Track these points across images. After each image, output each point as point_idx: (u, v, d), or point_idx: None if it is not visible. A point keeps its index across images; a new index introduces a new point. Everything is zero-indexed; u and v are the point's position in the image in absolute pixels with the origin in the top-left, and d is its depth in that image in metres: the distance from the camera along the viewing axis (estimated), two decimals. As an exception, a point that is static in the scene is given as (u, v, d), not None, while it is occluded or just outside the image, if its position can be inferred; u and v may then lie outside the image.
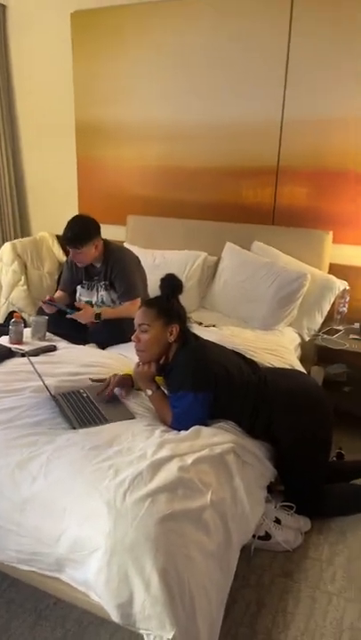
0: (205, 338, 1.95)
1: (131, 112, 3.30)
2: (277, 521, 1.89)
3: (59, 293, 2.81)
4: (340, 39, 2.66)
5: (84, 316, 2.48)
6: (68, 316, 2.47)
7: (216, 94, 3.04)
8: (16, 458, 1.49)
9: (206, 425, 1.75)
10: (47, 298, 2.60)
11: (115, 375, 1.95)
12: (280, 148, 2.95)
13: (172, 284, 1.85)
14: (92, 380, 1.97)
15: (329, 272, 2.93)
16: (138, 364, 1.88)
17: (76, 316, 2.47)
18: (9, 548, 1.40)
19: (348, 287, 2.85)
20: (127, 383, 1.97)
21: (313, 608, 1.65)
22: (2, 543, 1.41)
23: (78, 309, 2.54)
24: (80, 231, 2.47)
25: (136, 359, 1.90)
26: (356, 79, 2.68)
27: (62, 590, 1.38)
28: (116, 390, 1.94)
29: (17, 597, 1.66)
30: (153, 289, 2.41)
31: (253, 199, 3.11)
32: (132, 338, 1.83)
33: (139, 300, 2.55)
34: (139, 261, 2.73)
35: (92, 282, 2.67)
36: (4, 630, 1.55)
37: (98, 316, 2.51)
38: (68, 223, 2.50)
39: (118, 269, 2.57)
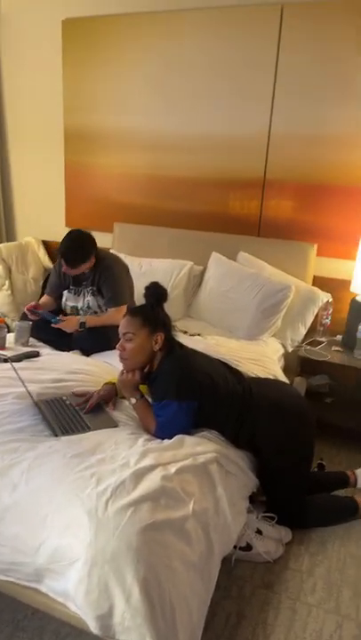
0: (190, 347, 1.95)
1: (119, 120, 3.32)
2: (259, 532, 1.89)
3: (45, 298, 2.79)
4: (328, 54, 2.72)
5: (68, 326, 2.46)
6: (53, 325, 2.45)
7: (204, 105, 3.07)
8: (-4, 465, 1.46)
9: (190, 434, 1.75)
10: (31, 305, 2.57)
11: (99, 391, 1.93)
12: (267, 160, 2.99)
13: (156, 293, 1.85)
14: (75, 395, 1.95)
15: (313, 284, 2.97)
16: (122, 372, 1.87)
17: (60, 325, 2.45)
18: (-13, 557, 1.37)
19: (331, 299, 2.89)
20: (111, 395, 1.95)
21: (293, 620, 1.65)
22: (-21, 552, 1.38)
23: (64, 314, 2.52)
24: (77, 254, 2.46)
25: (120, 367, 1.89)
26: (343, 95, 2.74)
27: (40, 601, 1.35)
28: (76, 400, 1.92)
29: (-7, 608, 1.63)
30: (139, 297, 2.40)
31: (240, 210, 3.14)
32: (117, 347, 1.82)
33: (125, 307, 2.54)
34: (128, 270, 2.73)
35: (80, 287, 2.66)
36: (-22, 642, 1.51)
37: (83, 324, 2.49)
38: (66, 242, 2.46)
39: (106, 276, 2.56)
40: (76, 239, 2.49)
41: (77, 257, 2.47)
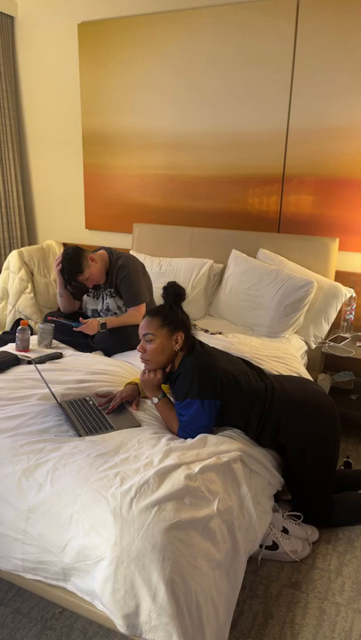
0: (212, 345, 1.95)
1: (137, 121, 3.33)
2: (285, 531, 1.87)
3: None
4: (346, 47, 2.67)
5: (89, 328, 2.48)
6: (75, 329, 2.48)
7: (222, 103, 3.06)
8: (22, 465, 1.48)
9: (212, 433, 1.74)
10: (51, 316, 2.64)
11: (121, 392, 1.95)
12: (286, 156, 2.96)
13: (174, 292, 1.85)
14: (98, 396, 1.96)
15: (336, 279, 2.93)
16: (144, 372, 1.88)
17: (82, 328, 2.47)
18: (14, 556, 1.39)
19: (354, 294, 2.84)
20: (134, 395, 1.96)
21: (321, 619, 1.63)
22: (7, 552, 1.40)
23: (84, 317, 2.54)
24: (70, 266, 2.50)
25: (141, 366, 1.90)
26: (362, 87, 2.70)
27: (68, 600, 1.37)
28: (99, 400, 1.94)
29: (22, 607, 1.65)
30: (158, 297, 2.41)
31: (259, 207, 3.12)
32: (138, 348, 1.82)
33: (144, 306, 2.55)
34: (144, 268, 2.73)
35: (98, 290, 2.68)
36: (9, 640, 1.54)
37: (103, 325, 2.51)
38: (60, 265, 2.54)
39: (123, 276, 2.57)
40: (63, 260, 2.53)
41: (72, 271, 2.50)
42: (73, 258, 2.51)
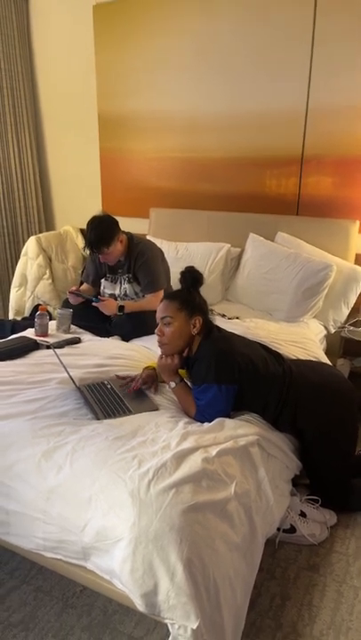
0: (229, 330, 1.94)
1: (153, 103, 3.29)
2: (303, 514, 1.87)
3: (84, 287, 2.83)
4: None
5: (107, 307, 2.49)
6: (94, 303, 2.49)
7: (239, 83, 3.00)
8: (42, 447, 1.51)
9: (230, 417, 1.74)
10: (73, 288, 2.63)
11: (141, 374, 1.96)
12: (305, 136, 2.90)
13: (192, 277, 1.84)
14: (118, 377, 1.98)
15: (356, 262, 2.87)
16: (161, 357, 1.88)
17: (99, 305, 2.48)
18: (36, 535, 1.42)
19: (375, 278, 2.79)
20: (153, 379, 1.97)
21: (339, 602, 1.63)
22: (29, 531, 1.43)
23: (102, 300, 2.56)
24: (102, 233, 2.45)
25: (159, 351, 1.90)
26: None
27: (88, 578, 1.39)
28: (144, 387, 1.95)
29: (44, 585, 1.69)
30: (175, 282, 2.39)
31: (277, 189, 3.07)
32: (156, 331, 1.82)
33: (162, 293, 2.54)
34: (162, 254, 2.72)
35: (116, 275, 2.68)
36: (31, 617, 1.58)
37: (121, 308, 2.52)
38: (88, 228, 2.48)
39: (142, 262, 2.57)
40: (95, 222, 2.48)
41: (103, 237, 2.45)
42: (110, 226, 2.47)
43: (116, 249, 2.52)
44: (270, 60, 2.88)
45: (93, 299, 2.51)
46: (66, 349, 2.26)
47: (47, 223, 4.05)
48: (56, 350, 2.02)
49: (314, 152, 2.90)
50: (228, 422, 1.70)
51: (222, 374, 1.72)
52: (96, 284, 2.78)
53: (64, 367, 1.85)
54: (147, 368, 2.01)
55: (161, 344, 1.83)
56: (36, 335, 2.41)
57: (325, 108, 2.80)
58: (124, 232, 2.61)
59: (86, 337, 2.45)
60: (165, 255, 2.77)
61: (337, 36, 2.67)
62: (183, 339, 1.80)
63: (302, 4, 2.70)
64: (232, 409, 1.77)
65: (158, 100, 3.26)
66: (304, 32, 2.74)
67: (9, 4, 3.44)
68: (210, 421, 1.71)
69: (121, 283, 2.67)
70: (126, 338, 2.50)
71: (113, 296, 2.69)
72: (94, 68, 3.43)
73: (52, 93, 3.71)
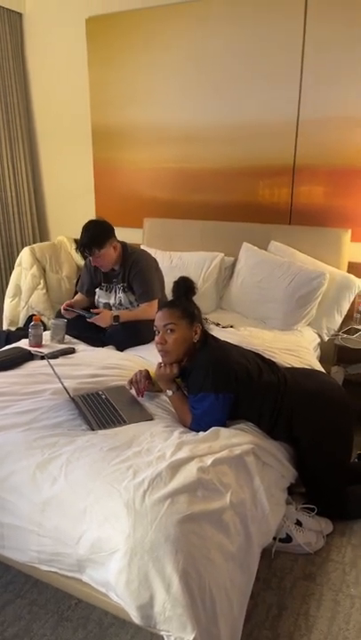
0: (223, 339, 1.94)
1: (146, 115, 3.32)
2: (298, 523, 1.87)
3: (78, 296, 2.84)
4: (358, 33, 2.63)
5: (102, 320, 2.50)
6: (88, 319, 2.49)
7: (230, 95, 3.03)
8: (36, 459, 1.50)
9: (225, 426, 1.74)
10: (67, 303, 2.63)
11: (138, 372, 1.97)
12: (296, 146, 2.93)
13: (186, 286, 1.85)
14: (127, 386, 1.99)
15: (348, 271, 2.90)
16: (160, 366, 1.87)
17: (95, 319, 2.48)
18: (30, 548, 1.41)
19: (367, 286, 2.81)
20: (148, 377, 1.98)
21: (336, 611, 1.63)
22: (23, 544, 1.42)
23: (97, 313, 2.56)
24: (95, 234, 2.48)
25: (154, 360, 1.90)
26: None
27: (83, 591, 1.38)
28: (133, 392, 1.95)
29: (39, 598, 1.68)
30: (170, 291, 2.40)
31: (270, 199, 3.09)
32: (157, 339, 1.80)
33: (156, 302, 2.55)
34: (156, 264, 2.73)
35: (111, 284, 2.68)
36: (26, 631, 1.56)
37: (116, 318, 2.52)
38: (83, 230, 2.51)
39: (136, 271, 2.58)
40: (89, 224, 2.51)
41: (96, 237, 2.46)
42: (104, 229, 2.49)
43: (109, 254, 2.52)
44: (262, 72, 2.92)
45: (87, 314, 2.50)
46: (60, 360, 2.25)
47: (41, 233, 4.06)
48: (50, 361, 2.02)
49: (305, 162, 2.93)
50: (223, 431, 1.70)
51: (219, 383, 1.72)
52: (90, 294, 2.78)
53: (58, 378, 1.85)
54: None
55: (164, 352, 1.81)
56: (31, 345, 2.40)
57: (316, 119, 2.84)
58: (118, 241, 2.62)
59: (80, 347, 2.45)
60: (160, 265, 2.78)
61: (327, 48, 2.72)
62: (185, 346, 1.80)
63: (292, 18, 2.75)
64: (228, 418, 1.77)
65: (152, 111, 3.29)
66: (295, 44, 2.78)
67: (2, 19, 3.47)
68: (205, 430, 1.71)
69: (116, 292, 2.68)
70: (121, 347, 2.50)
71: (108, 305, 2.69)
72: (88, 80, 3.46)
73: (46, 105, 3.73)
